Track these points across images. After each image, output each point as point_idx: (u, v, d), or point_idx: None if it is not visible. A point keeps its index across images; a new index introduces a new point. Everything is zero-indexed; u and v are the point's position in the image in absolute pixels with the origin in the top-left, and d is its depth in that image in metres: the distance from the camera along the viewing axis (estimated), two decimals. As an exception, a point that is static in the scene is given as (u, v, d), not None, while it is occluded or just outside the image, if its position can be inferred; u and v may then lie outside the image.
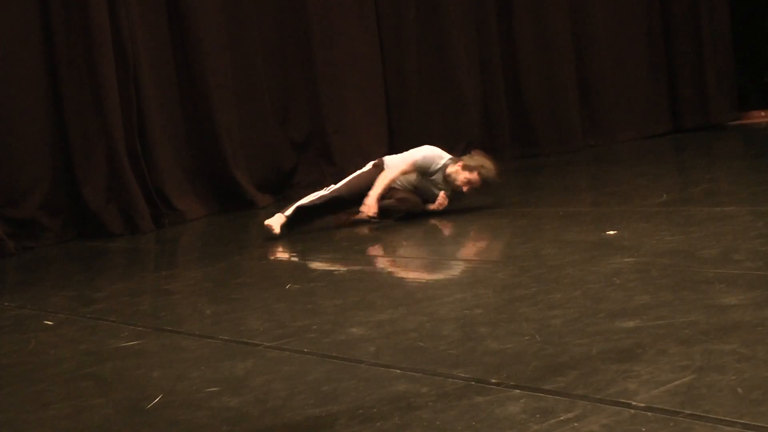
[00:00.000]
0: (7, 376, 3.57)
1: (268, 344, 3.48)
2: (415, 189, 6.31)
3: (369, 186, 6.18)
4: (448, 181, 6.22)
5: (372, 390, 2.79)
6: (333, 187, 6.27)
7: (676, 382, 2.51)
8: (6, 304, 5.06)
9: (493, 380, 2.72)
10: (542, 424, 2.35)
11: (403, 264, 4.94)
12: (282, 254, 5.63)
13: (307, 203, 6.13)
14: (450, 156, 6.33)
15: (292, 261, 5.32)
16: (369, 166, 6.42)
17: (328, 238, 6.22)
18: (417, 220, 6.38)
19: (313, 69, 8.51)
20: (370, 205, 6.07)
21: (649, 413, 2.32)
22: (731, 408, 2.29)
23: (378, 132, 8.71)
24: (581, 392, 2.53)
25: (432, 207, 6.22)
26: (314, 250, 5.59)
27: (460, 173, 6.19)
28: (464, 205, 6.26)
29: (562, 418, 2.37)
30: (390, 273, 4.69)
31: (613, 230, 4.88)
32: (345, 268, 4.93)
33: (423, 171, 6.27)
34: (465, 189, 6.17)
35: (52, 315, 4.54)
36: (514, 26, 9.77)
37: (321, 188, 6.44)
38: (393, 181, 6.24)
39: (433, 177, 6.26)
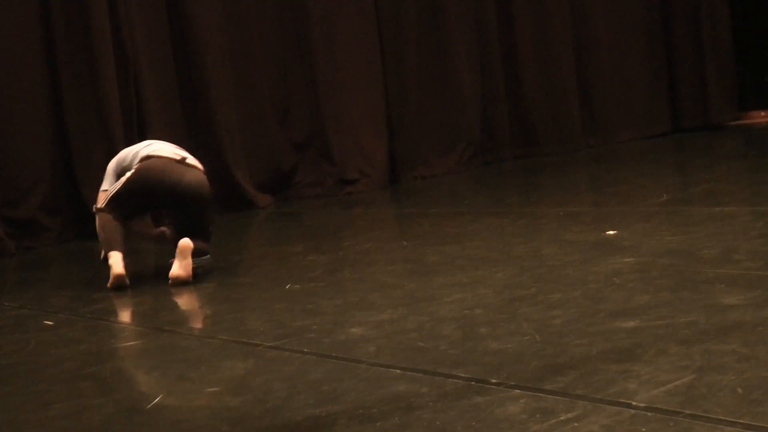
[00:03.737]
0: (7, 376, 3.57)
1: (268, 344, 3.48)
2: None
3: None
4: None
5: (372, 390, 2.79)
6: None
7: (676, 382, 2.51)
8: (6, 304, 5.07)
9: (493, 380, 2.72)
10: (542, 424, 2.35)
11: (404, 264, 4.94)
12: (282, 254, 5.63)
13: None
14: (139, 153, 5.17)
15: (293, 261, 5.32)
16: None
17: (329, 236, 6.22)
18: (416, 221, 6.38)
19: (313, 69, 8.51)
20: None
21: (649, 413, 2.32)
22: (731, 408, 2.29)
23: (378, 132, 8.71)
24: (581, 392, 2.53)
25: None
26: (315, 249, 5.59)
27: None
28: (464, 204, 6.26)
29: (562, 418, 2.37)
30: (390, 273, 4.69)
31: (613, 230, 4.88)
32: (345, 268, 4.93)
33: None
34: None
35: (52, 315, 4.54)
36: (514, 26, 9.76)
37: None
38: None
39: None
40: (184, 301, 4.61)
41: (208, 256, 5.05)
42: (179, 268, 4.79)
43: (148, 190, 4.97)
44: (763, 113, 10.98)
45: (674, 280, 3.67)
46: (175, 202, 4.99)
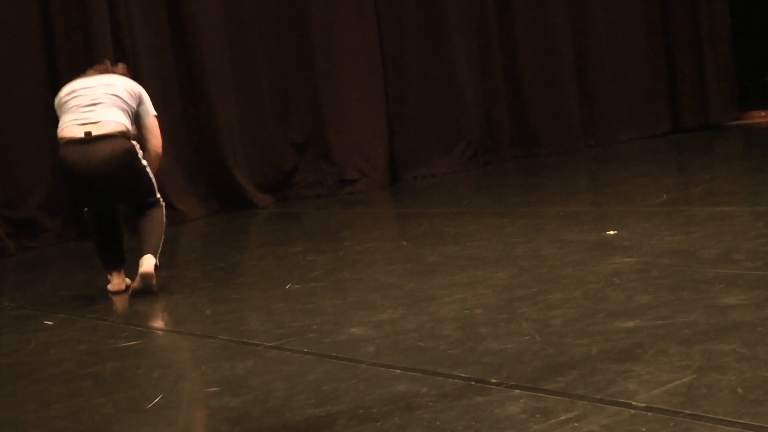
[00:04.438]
0: (7, 376, 3.57)
1: (268, 344, 3.48)
2: None
3: None
4: None
5: (372, 390, 2.79)
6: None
7: (676, 382, 2.51)
8: (6, 304, 5.07)
9: (493, 380, 2.72)
10: (542, 424, 2.35)
11: (404, 264, 4.94)
12: (282, 254, 5.63)
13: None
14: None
15: (293, 261, 5.32)
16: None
17: (329, 236, 6.22)
18: (416, 221, 6.38)
19: (313, 69, 8.51)
20: None
21: (649, 413, 2.32)
22: (731, 408, 2.29)
23: (378, 132, 8.71)
24: (581, 392, 2.53)
25: None
26: (315, 249, 5.59)
27: None
28: (464, 204, 6.26)
29: (562, 418, 2.37)
30: (390, 273, 4.69)
31: (613, 230, 4.88)
32: (345, 268, 4.94)
33: None
34: None
35: (52, 315, 4.54)
36: (514, 26, 9.76)
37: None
38: None
39: None
40: (184, 301, 4.61)
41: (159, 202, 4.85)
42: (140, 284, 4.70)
43: (73, 187, 4.70)
44: (763, 113, 10.98)
45: (674, 280, 3.67)
46: (99, 191, 4.68)
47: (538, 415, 2.40)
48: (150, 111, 4.95)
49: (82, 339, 4.00)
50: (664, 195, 6.00)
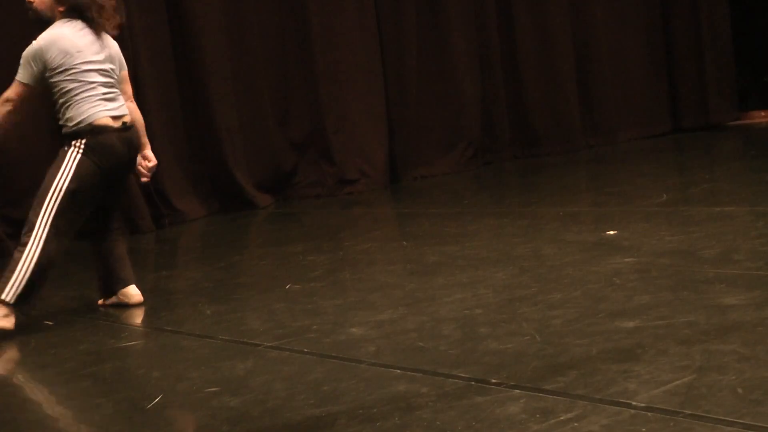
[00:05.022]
0: (7, 375, 3.57)
1: (268, 344, 3.48)
2: None
3: None
4: None
5: (372, 390, 2.79)
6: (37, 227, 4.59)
7: (676, 382, 2.51)
8: (6, 304, 5.05)
9: (493, 380, 2.72)
10: (542, 424, 2.35)
11: (404, 264, 4.94)
12: (282, 254, 5.63)
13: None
14: None
15: (293, 261, 5.32)
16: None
17: (329, 236, 6.22)
18: (416, 221, 6.38)
19: (313, 69, 8.51)
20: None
21: (649, 413, 2.32)
22: (731, 408, 2.29)
23: (378, 132, 8.71)
24: (581, 392, 2.53)
25: None
26: (315, 249, 5.59)
27: None
28: (464, 204, 6.26)
29: (562, 418, 2.37)
30: (390, 273, 4.70)
31: (613, 230, 4.88)
32: (345, 268, 4.94)
33: None
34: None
35: (52, 315, 4.54)
36: (514, 26, 9.77)
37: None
38: None
39: None
40: (184, 301, 4.61)
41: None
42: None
43: (102, 179, 4.41)
44: (763, 113, 10.98)
45: (674, 280, 3.67)
46: (116, 183, 4.55)
47: (538, 415, 2.40)
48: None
49: (82, 339, 4.00)
50: (664, 195, 6.00)
